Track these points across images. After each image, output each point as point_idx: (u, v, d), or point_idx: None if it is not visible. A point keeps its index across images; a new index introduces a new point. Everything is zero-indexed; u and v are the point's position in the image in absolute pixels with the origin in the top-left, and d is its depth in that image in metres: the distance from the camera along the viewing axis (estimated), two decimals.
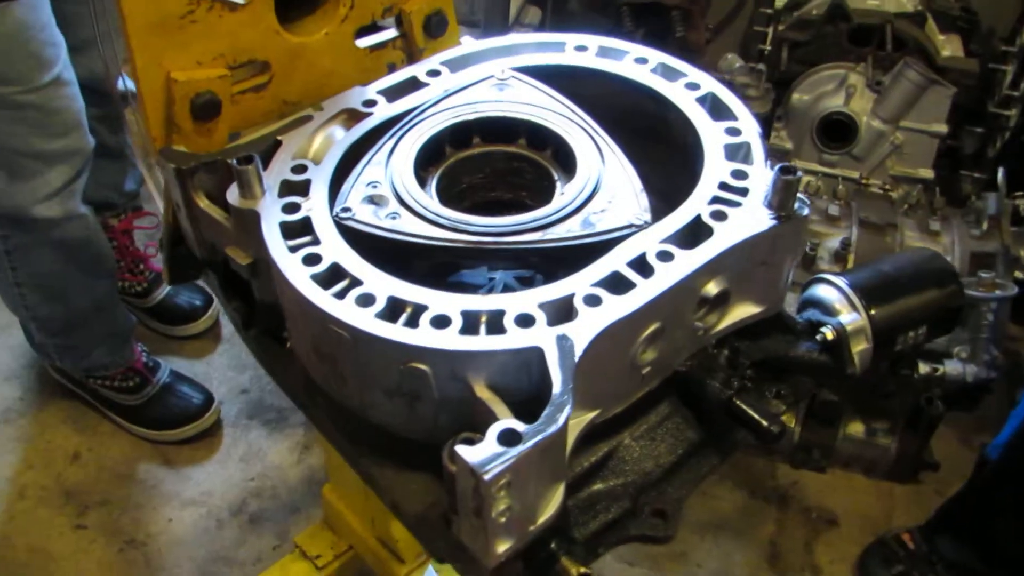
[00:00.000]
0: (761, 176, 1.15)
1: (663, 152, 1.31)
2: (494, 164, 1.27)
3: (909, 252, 1.33)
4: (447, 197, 1.24)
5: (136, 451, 2.66)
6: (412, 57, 1.43)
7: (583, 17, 2.97)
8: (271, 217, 1.11)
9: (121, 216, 2.83)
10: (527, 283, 1.14)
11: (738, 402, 1.13)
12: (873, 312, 1.22)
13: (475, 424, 0.98)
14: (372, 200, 1.13)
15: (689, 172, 1.21)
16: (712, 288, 1.09)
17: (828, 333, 1.21)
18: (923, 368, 2.30)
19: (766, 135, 2.81)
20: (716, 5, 3.23)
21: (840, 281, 1.25)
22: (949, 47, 2.82)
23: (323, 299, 1.01)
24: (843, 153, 2.85)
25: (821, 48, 2.89)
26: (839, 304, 1.24)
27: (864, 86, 2.80)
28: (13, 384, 2.84)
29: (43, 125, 2.11)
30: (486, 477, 0.85)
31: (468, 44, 1.40)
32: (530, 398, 0.96)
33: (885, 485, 2.60)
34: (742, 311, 1.17)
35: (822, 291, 1.26)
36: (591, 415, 1.06)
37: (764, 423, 1.11)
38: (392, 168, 1.17)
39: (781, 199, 1.10)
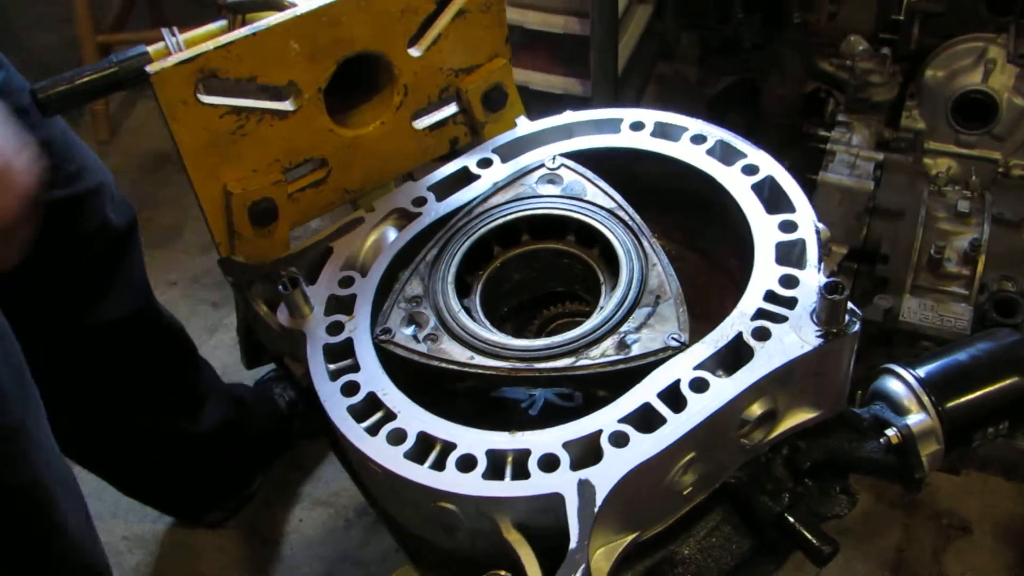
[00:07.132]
0: (812, 282, 1.09)
1: (720, 231, 1.26)
2: (544, 260, 1.26)
3: (989, 336, 1.23)
4: (497, 295, 1.24)
5: None
6: (474, 130, 1.42)
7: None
8: (316, 340, 1.14)
9: None
10: (567, 398, 1.13)
11: (789, 518, 1.09)
12: (944, 409, 1.15)
13: (509, 552, 0.99)
14: (412, 319, 1.14)
15: (743, 260, 1.17)
16: (756, 409, 1.05)
17: (893, 437, 1.15)
18: None
19: (895, 121, 2.63)
20: None
21: (909, 375, 1.17)
22: None
23: (358, 435, 1.04)
24: (982, 133, 2.64)
25: (957, 18, 2.66)
26: (907, 401, 1.17)
27: (1005, 60, 2.57)
28: None
29: None
30: None
31: (523, 125, 1.37)
32: (559, 533, 0.97)
33: None
34: (796, 418, 1.12)
35: (891, 385, 1.19)
36: (629, 538, 1.05)
37: (815, 542, 1.08)
38: (435, 280, 1.18)
39: (829, 315, 1.04)
